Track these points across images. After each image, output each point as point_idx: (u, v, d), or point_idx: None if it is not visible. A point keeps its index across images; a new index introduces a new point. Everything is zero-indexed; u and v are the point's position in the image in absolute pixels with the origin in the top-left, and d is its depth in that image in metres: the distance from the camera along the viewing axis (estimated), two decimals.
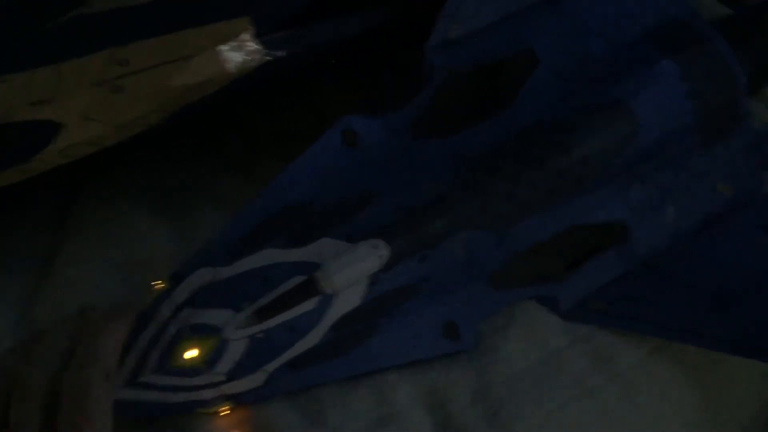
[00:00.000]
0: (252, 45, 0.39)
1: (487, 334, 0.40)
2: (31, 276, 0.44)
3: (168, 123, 0.40)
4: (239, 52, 0.38)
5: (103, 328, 0.33)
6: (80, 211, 0.46)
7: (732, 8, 0.53)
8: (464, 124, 0.40)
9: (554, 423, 0.38)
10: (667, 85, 0.41)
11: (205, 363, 0.35)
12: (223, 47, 0.38)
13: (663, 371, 0.41)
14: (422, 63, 0.41)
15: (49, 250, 0.45)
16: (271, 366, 0.36)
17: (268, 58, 0.39)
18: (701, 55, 0.42)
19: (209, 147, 0.48)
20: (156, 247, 0.43)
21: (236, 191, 0.45)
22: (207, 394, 0.35)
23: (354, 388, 0.38)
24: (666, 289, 0.41)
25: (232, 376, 0.35)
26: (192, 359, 0.35)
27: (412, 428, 0.37)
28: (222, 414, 0.36)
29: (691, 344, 0.39)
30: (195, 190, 0.46)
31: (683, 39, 0.43)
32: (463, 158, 0.39)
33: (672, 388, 0.41)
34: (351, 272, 0.36)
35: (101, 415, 0.31)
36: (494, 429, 0.37)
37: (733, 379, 0.43)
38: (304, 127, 0.42)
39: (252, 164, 0.47)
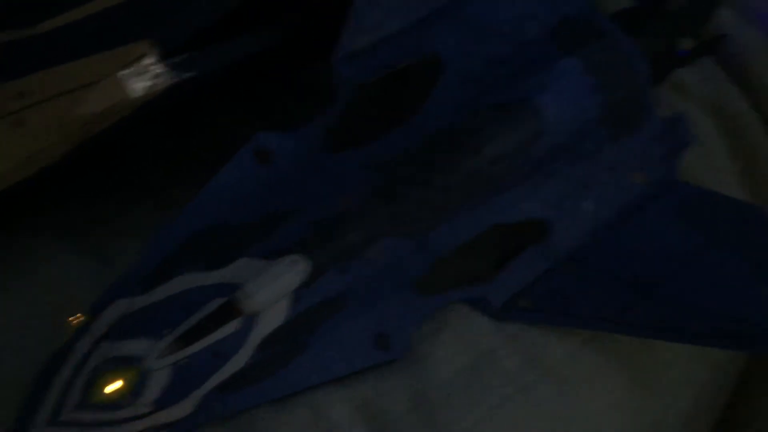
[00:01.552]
0: (156, 68, 0.38)
1: (419, 340, 0.40)
2: None
3: (76, 154, 0.39)
4: (143, 76, 0.38)
5: None
6: None
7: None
8: (375, 134, 0.40)
9: (490, 423, 0.38)
10: (571, 80, 0.42)
11: (129, 395, 0.34)
12: (126, 72, 0.37)
13: (594, 363, 0.41)
14: (330, 76, 0.41)
15: None
16: (200, 392, 0.35)
17: (174, 80, 0.39)
18: (602, 49, 0.43)
19: (120, 176, 0.47)
20: (75, 282, 0.42)
21: (152, 219, 0.44)
22: (135, 427, 0.35)
23: (288, 407, 0.37)
24: (591, 281, 0.41)
25: (159, 405, 0.35)
26: (114, 392, 0.34)
27: None
28: None
29: (620, 333, 0.40)
30: (110, 222, 0.45)
31: (584, 35, 0.44)
32: (377, 167, 0.39)
33: (605, 378, 0.41)
34: (272, 290, 0.36)
35: None
36: None
37: (666, 365, 0.43)
38: (214, 150, 0.42)
39: (165, 190, 0.46)
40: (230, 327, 0.35)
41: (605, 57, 0.43)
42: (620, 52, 0.43)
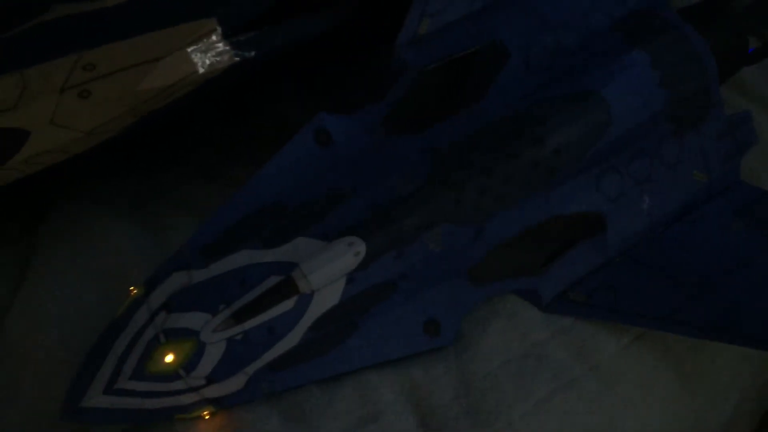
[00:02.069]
0: (220, 46, 0.38)
1: (468, 328, 0.40)
2: (3, 289, 0.43)
3: (136, 129, 0.39)
4: (208, 53, 0.38)
5: None
6: (52, 221, 0.45)
7: None
8: (436, 119, 0.40)
9: (536, 415, 0.38)
10: (638, 74, 0.41)
11: (183, 367, 0.35)
12: (191, 48, 0.38)
13: (644, 360, 0.41)
14: (392, 60, 0.40)
15: (21, 262, 0.44)
16: (251, 368, 0.36)
17: (236, 58, 0.38)
18: (671, 43, 0.43)
19: (176, 154, 0.48)
20: (129, 253, 0.43)
21: (206, 196, 0.45)
22: (186, 399, 0.35)
23: (336, 387, 0.37)
24: (644, 278, 0.41)
25: (211, 379, 0.35)
26: (169, 364, 0.35)
27: (395, 426, 0.37)
28: (202, 418, 0.36)
29: (671, 332, 0.39)
30: (165, 197, 0.46)
31: (652, 28, 0.43)
32: (436, 153, 0.39)
33: (653, 377, 0.41)
34: (328, 271, 0.36)
35: None
36: (477, 423, 0.37)
37: (714, 366, 0.43)
38: (269, 132, 0.42)
39: (219, 169, 0.47)
40: (286, 305, 0.35)
41: (673, 52, 0.42)
42: (689, 47, 0.43)
